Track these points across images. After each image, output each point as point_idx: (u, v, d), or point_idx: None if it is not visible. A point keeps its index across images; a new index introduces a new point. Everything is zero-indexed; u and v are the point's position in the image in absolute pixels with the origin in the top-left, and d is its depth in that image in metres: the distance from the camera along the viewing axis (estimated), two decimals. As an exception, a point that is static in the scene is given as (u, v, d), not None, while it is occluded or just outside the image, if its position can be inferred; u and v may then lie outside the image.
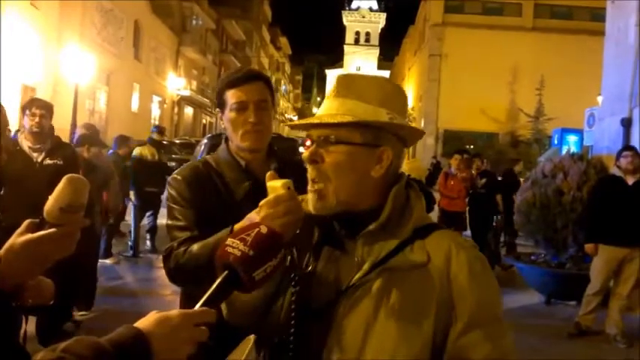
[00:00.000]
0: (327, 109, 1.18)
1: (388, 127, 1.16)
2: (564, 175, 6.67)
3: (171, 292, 6.20)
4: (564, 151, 12.42)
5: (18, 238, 1.06)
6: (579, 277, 6.24)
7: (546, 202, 6.63)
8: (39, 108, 4.09)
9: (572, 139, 16.44)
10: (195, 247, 1.75)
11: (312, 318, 1.15)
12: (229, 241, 1.01)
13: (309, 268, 1.20)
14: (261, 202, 1.14)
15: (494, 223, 8.69)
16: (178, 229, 1.83)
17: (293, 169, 2.11)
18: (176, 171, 1.97)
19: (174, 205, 1.88)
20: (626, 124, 7.62)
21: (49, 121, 4.16)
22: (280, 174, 2.14)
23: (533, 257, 7.34)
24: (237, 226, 1.69)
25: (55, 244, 1.06)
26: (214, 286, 0.99)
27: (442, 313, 1.09)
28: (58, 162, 4.11)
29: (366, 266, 1.12)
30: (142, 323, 0.92)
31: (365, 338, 1.08)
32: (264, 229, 1.03)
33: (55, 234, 1.05)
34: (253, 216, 1.67)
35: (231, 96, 1.90)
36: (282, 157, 2.07)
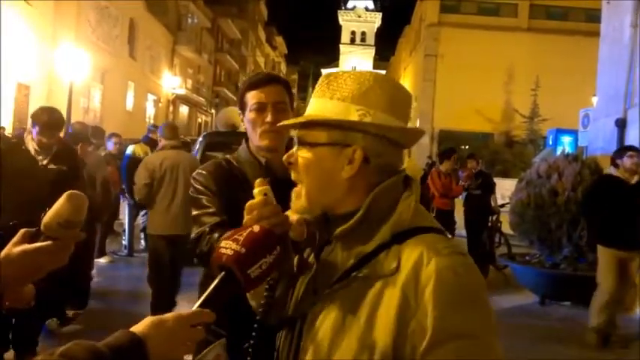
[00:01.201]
0: (309, 109, 1.17)
1: (352, 125, 1.09)
2: (559, 175, 6.69)
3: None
4: (559, 151, 12.46)
5: (14, 247, 1.10)
6: (574, 278, 6.26)
7: (541, 202, 6.65)
8: (50, 130, 3.99)
9: (566, 139, 16.48)
10: (229, 232, 1.84)
11: (285, 323, 1.17)
12: (223, 242, 1.04)
13: (309, 269, 1.19)
14: (247, 205, 1.19)
15: (489, 224, 8.72)
16: (208, 215, 1.94)
17: None
18: (200, 167, 2.11)
19: (201, 196, 1.99)
20: (621, 124, 7.64)
21: (57, 138, 4.17)
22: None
23: (527, 257, 7.36)
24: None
25: (51, 256, 1.09)
26: (211, 287, 1.00)
27: (404, 327, 0.99)
28: (62, 167, 4.08)
29: (339, 272, 1.10)
30: (137, 327, 0.94)
31: (331, 346, 1.06)
32: (256, 228, 1.06)
33: (51, 247, 1.08)
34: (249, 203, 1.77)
35: (251, 97, 2.03)
36: None
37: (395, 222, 1.08)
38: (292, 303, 1.19)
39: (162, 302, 4.87)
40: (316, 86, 1.18)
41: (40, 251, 1.08)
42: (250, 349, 1.18)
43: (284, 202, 1.91)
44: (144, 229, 8.41)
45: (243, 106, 2.08)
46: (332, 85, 1.14)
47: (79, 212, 1.09)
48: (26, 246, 1.08)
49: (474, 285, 1.03)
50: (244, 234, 1.05)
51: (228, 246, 1.03)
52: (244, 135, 2.15)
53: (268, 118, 1.99)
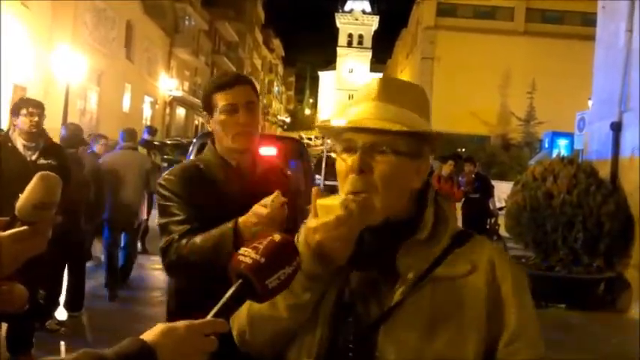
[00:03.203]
0: (371, 113, 1.10)
1: (435, 137, 1.14)
2: (554, 178, 6.71)
3: (161, 293, 6.18)
4: (554, 154, 12.48)
5: None
6: (569, 280, 6.28)
7: (536, 205, 6.67)
8: (35, 107, 4.08)
9: (562, 142, 16.53)
10: (197, 239, 1.80)
11: (354, 347, 1.09)
12: (242, 250, 1.01)
13: (341, 288, 1.13)
14: (314, 223, 1.06)
15: (487, 226, 8.74)
16: (176, 223, 1.87)
17: (276, 173, 2.18)
18: (166, 172, 2.02)
19: (169, 203, 1.91)
20: (616, 128, 7.66)
21: (43, 120, 4.17)
22: (267, 176, 2.18)
23: (523, 260, 7.38)
24: (241, 219, 1.77)
25: (27, 242, 1.05)
26: (227, 295, 0.97)
27: (492, 321, 1.07)
28: (52, 162, 4.08)
29: (409, 279, 1.08)
30: (147, 335, 0.91)
31: (418, 352, 1.04)
32: (276, 237, 1.01)
33: (27, 232, 1.04)
34: (259, 209, 1.73)
35: (221, 99, 1.97)
36: (267, 159, 2.17)
37: (452, 227, 1.15)
38: (360, 319, 1.11)
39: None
40: (374, 89, 1.14)
41: (16, 237, 1.03)
42: None
43: (256, 202, 1.91)
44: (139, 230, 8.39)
45: (210, 108, 2.02)
46: (396, 92, 1.13)
47: (52, 192, 1.05)
48: (0, 234, 1.03)
49: (529, 286, 1.16)
50: (264, 242, 1.00)
51: (247, 254, 0.99)
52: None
53: (241, 120, 1.96)
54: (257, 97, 2.05)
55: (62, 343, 5.01)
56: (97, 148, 6.68)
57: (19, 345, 4.12)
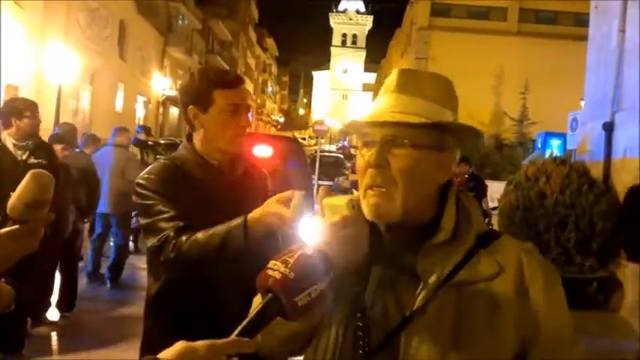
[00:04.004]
0: (391, 106, 1.06)
1: (453, 128, 1.06)
2: (547, 178, 6.73)
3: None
4: (547, 154, 12.52)
5: None
6: (562, 280, 6.29)
7: (529, 204, 6.69)
8: (37, 110, 4.15)
9: (555, 142, 16.58)
10: (200, 235, 1.72)
11: (374, 352, 1.02)
12: (271, 263, 0.94)
13: (359, 290, 1.07)
14: (325, 224, 1.02)
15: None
16: (165, 220, 1.78)
17: (258, 173, 2.14)
18: (145, 171, 1.93)
19: (153, 202, 1.82)
20: (608, 128, 7.69)
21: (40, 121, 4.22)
22: (247, 177, 2.16)
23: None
24: (250, 217, 1.70)
25: (19, 241, 1.03)
26: (255, 312, 0.90)
27: (520, 326, 1.01)
28: (43, 161, 4.08)
29: (431, 283, 1.01)
30: (165, 354, 0.86)
31: (451, 354, 0.98)
32: (308, 250, 0.95)
33: (19, 231, 1.02)
34: (282, 211, 1.61)
35: (224, 97, 1.89)
36: (247, 159, 2.12)
37: (475, 226, 1.07)
38: (378, 321, 1.05)
39: None
40: (393, 81, 1.09)
41: (9, 236, 1.02)
42: None
43: (237, 202, 1.89)
44: (133, 231, 8.36)
45: (204, 104, 1.90)
46: (416, 83, 1.07)
47: (44, 190, 1.03)
48: None
49: (561, 284, 1.10)
50: (295, 255, 0.93)
51: (276, 268, 0.92)
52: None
53: (243, 122, 1.91)
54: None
55: (54, 343, 4.99)
56: (88, 149, 6.67)
57: (9, 345, 4.10)
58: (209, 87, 1.90)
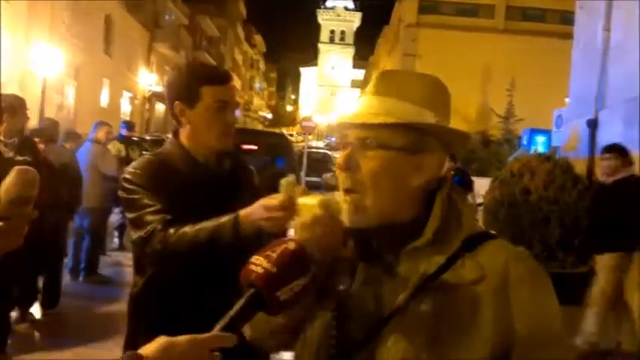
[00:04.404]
0: (367, 107, 1.05)
1: (433, 129, 1.03)
2: (531, 174, 6.79)
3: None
4: (532, 151, 12.63)
5: None
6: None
7: (513, 201, 6.74)
8: (26, 108, 4.17)
9: (540, 139, 16.71)
10: (187, 229, 1.71)
11: (353, 349, 1.02)
12: (254, 258, 0.95)
13: (345, 288, 1.06)
14: (296, 223, 1.04)
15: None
16: (151, 213, 1.77)
17: (246, 171, 2.13)
18: (130, 166, 1.93)
19: (137, 196, 1.82)
20: (592, 125, 7.79)
21: None
22: (234, 174, 2.15)
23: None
24: (243, 213, 1.68)
25: (3, 237, 1.02)
26: (237, 306, 0.91)
27: (501, 334, 0.96)
28: (28, 158, 4.05)
29: (411, 285, 1.00)
30: (147, 349, 0.85)
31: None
32: (291, 245, 0.96)
33: (3, 227, 1.01)
34: (269, 201, 1.59)
35: (212, 93, 1.87)
36: (235, 157, 2.11)
37: (466, 229, 1.04)
38: (359, 319, 1.05)
39: None
40: (373, 83, 1.08)
41: None
42: None
43: (224, 198, 1.88)
44: (117, 227, 8.32)
45: (191, 99, 1.89)
46: (396, 85, 1.05)
47: (29, 187, 1.03)
48: None
49: (552, 289, 1.05)
50: (278, 250, 0.94)
51: (259, 263, 0.93)
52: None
53: (231, 120, 1.91)
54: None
55: (37, 340, 4.95)
56: (69, 145, 6.63)
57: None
58: (197, 83, 1.88)
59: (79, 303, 5.87)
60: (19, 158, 3.99)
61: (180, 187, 1.86)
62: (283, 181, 1.04)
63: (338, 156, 1.08)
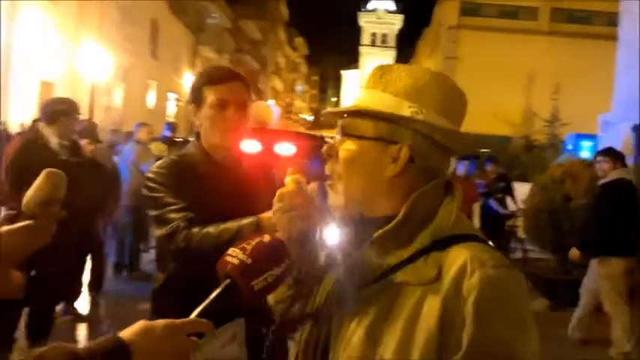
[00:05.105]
0: (356, 100, 1.10)
1: (403, 121, 1.03)
2: (573, 180, 6.66)
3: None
4: (578, 156, 12.33)
5: None
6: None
7: (554, 207, 6.63)
8: (79, 112, 4.36)
9: (586, 144, 16.30)
10: (211, 229, 1.77)
11: (313, 318, 1.09)
12: (230, 250, 1.02)
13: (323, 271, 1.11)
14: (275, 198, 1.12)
15: (505, 228, 8.66)
16: (175, 211, 1.84)
17: (262, 171, 2.17)
18: (155, 165, 2.00)
19: (162, 194, 1.89)
20: (638, 130, 7.57)
21: None
22: (249, 173, 2.19)
23: (540, 263, 7.33)
24: (264, 215, 1.75)
25: (32, 235, 1.10)
26: (212, 295, 0.97)
27: (442, 340, 0.93)
28: (80, 160, 4.19)
29: (367, 277, 1.02)
30: (125, 332, 0.89)
31: (365, 351, 0.98)
32: (266, 238, 1.03)
33: (31, 226, 1.09)
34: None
35: (212, 93, 1.94)
36: (253, 157, 2.16)
37: (436, 228, 1.02)
38: (317, 301, 1.11)
39: None
40: (368, 77, 1.11)
41: (22, 231, 1.08)
42: (268, 342, 1.15)
43: (243, 197, 1.93)
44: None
45: (198, 101, 1.97)
46: (385, 78, 1.07)
47: (58, 190, 1.10)
48: (8, 227, 1.08)
49: (518, 303, 0.97)
50: (253, 243, 1.01)
51: (234, 254, 1.00)
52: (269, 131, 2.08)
53: (231, 117, 1.93)
54: (249, 96, 2.01)
55: (80, 332, 5.13)
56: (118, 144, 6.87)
57: (37, 333, 4.23)
58: (200, 84, 1.97)
59: (122, 298, 6.03)
60: (72, 160, 4.10)
61: (201, 186, 1.92)
62: (287, 179, 1.10)
63: None
